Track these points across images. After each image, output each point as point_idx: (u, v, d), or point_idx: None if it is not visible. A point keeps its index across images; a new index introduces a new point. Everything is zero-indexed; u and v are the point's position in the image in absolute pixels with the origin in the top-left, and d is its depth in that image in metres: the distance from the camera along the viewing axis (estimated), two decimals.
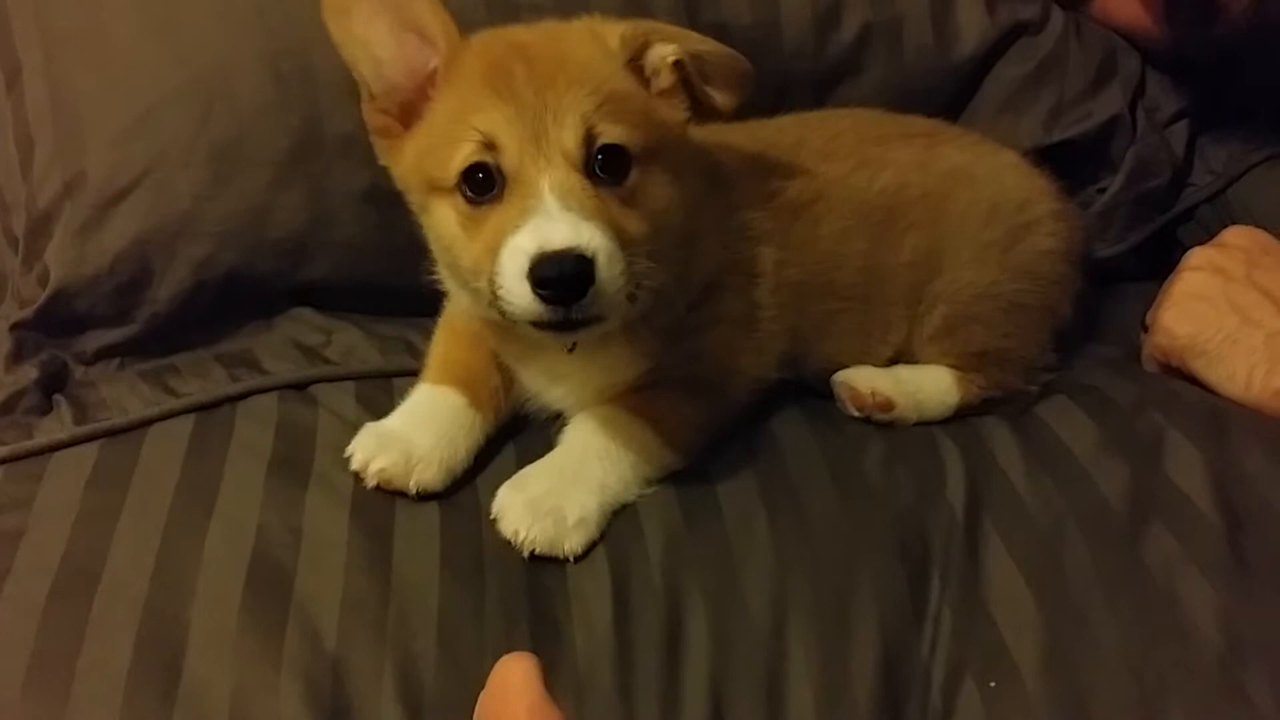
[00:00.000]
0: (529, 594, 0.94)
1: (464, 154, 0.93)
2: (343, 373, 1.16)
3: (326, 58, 1.19)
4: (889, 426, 1.11)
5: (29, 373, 1.15)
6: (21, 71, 1.22)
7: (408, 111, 0.99)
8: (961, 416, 1.14)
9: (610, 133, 0.93)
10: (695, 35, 1.02)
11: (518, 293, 0.90)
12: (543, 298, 0.89)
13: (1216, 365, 1.14)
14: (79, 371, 1.19)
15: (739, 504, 1.00)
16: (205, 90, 1.19)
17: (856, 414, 1.12)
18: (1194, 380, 1.16)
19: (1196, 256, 1.21)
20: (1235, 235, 1.22)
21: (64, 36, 1.22)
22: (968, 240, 1.16)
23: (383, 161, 1.03)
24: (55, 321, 1.19)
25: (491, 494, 0.99)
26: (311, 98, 1.20)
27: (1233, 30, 1.33)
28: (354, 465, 1.00)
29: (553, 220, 0.89)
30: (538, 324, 0.91)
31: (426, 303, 1.21)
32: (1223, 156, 1.41)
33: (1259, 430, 1.08)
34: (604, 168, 0.93)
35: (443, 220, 0.97)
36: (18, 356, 1.17)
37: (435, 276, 1.09)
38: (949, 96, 1.37)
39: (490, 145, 0.92)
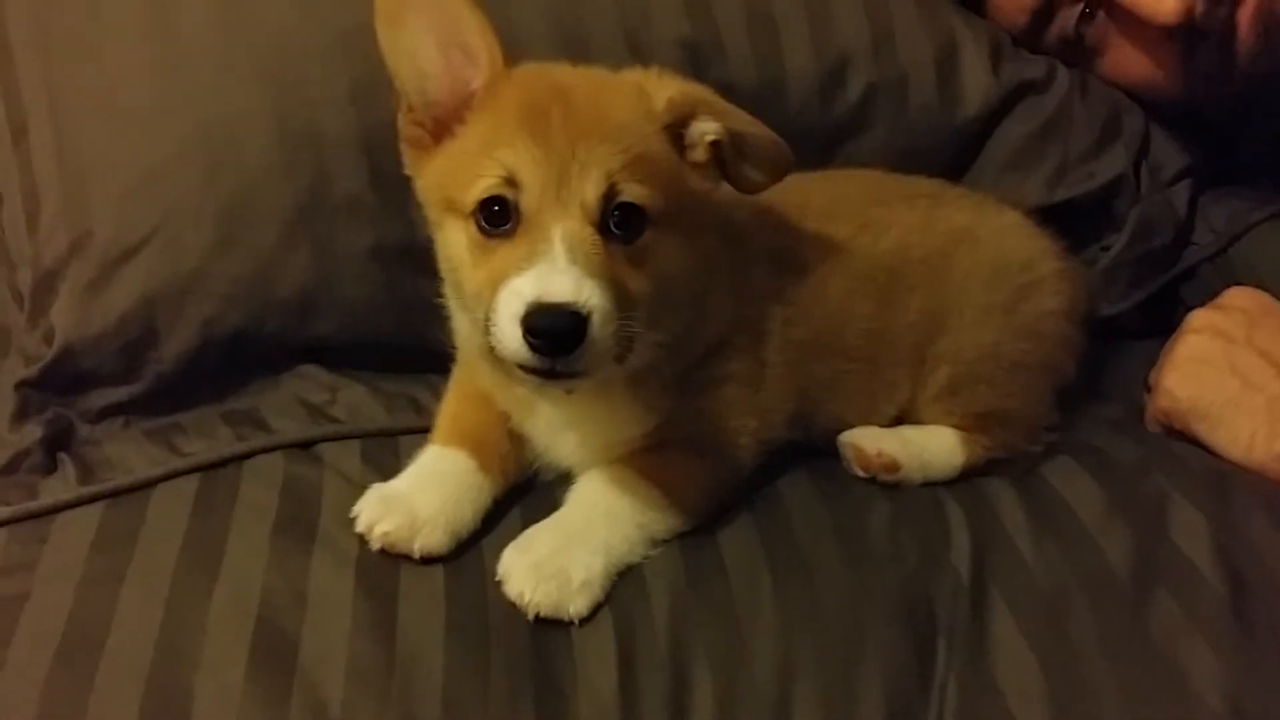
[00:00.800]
0: (534, 657, 0.93)
1: (485, 184, 0.94)
2: (348, 431, 1.16)
3: (334, 117, 1.21)
4: (894, 487, 1.11)
5: (34, 432, 1.15)
6: (28, 127, 1.22)
7: (441, 126, 1.00)
8: (967, 477, 1.14)
9: (631, 191, 0.94)
10: (744, 115, 1.03)
11: (508, 334, 0.91)
12: (531, 345, 0.90)
13: (1218, 428, 1.15)
14: (84, 430, 1.19)
15: (745, 566, 1.00)
16: (213, 150, 1.19)
17: (862, 475, 1.12)
18: (1197, 442, 1.17)
19: (1198, 319, 1.21)
20: (1236, 297, 1.23)
21: (71, 93, 1.22)
22: (971, 301, 1.16)
23: (407, 171, 1.04)
24: (61, 380, 1.19)
25: (497, 556, 0.99)
26: (319, 157, 1.21)
27: (1247, 81, 1.35)
28: (359, 527, 1.00)
29: (557, 271, 0.90)
30: (522, 366, 0.92)
31: (432, 360, 1.22)
32: (1224, 215, 1.42)
33: (1262, 494, 1.08)
34: (619, 224, 0.95)
35: (454, 242, 0.98)
36: (23, 415, 1.17)
37: (440, 298, 1.10)
38: (953, 155, 1.38)
39: (512, 181, 0.93)
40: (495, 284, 0.92)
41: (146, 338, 1.19)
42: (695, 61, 1.29)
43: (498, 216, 0.94)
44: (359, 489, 1.04)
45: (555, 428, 1.07)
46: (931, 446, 1.15)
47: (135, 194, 1.19)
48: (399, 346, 1.24)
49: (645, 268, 0.96)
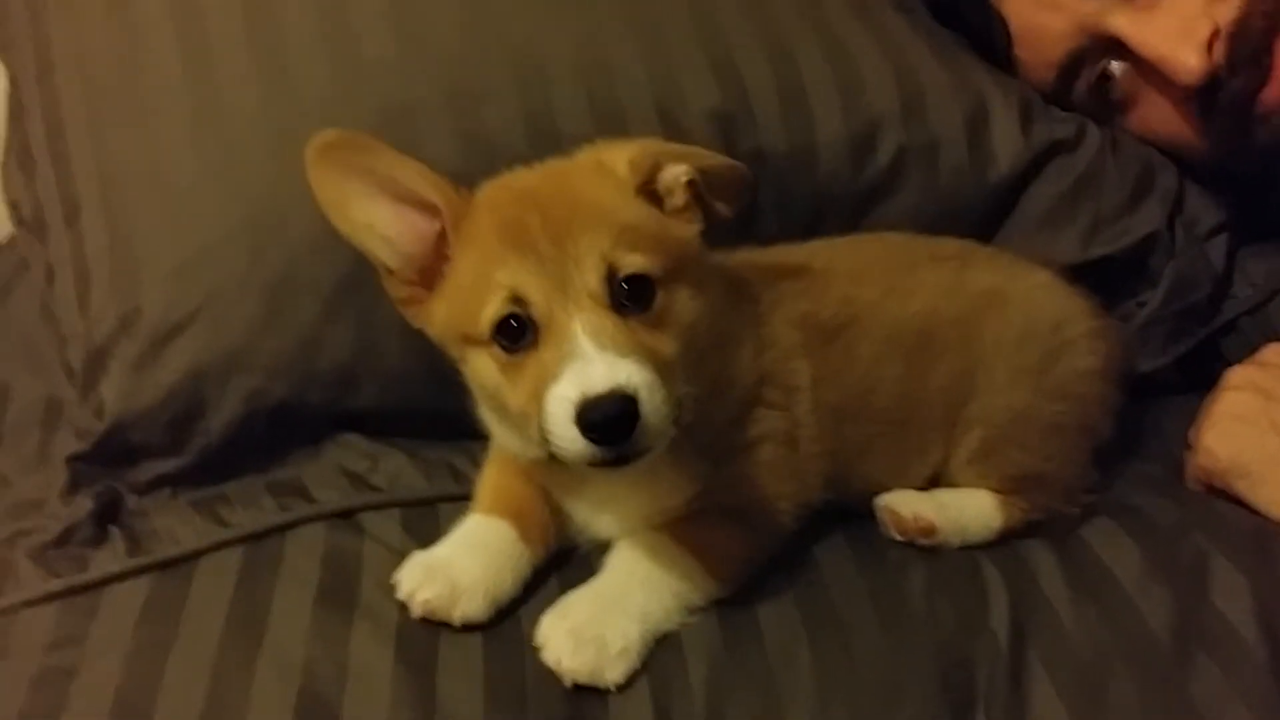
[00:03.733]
0: None
1: (493, 308, 0.96)
2: (388, 500, 1.18)
3: None
4: (931, 551, 1.11)
5: (85, 504, 1.17)
6: (80, 207, 1.26)
7: (428, 274, 1.02)
8: (1005, 540, 1.13)
9: (630, 263, 0.95)
10: (697, 150, 1.05)
11: (568, 438, 0.91)
12: (592, 440, 0.91)
13: (1260, 487, 1.14)
14: (132, 500, 1.21)
15: (782, 633, 1.00)
16: (259, 227, 1.22)
17: (899, 538, 1.12)
18: (1238, 501, 1.16)
19: (1237, 376, 1.21)
20: (1275, 353, 1.22)
21: (122, 175, 1.25)
22: (1002, 363, 1.16)
23: (415, 325, 1.05)
24: (111, 453, 1.21)
25: (534, 623, 1.00)
26: None
27: (1272, 139, 1.34)
28: (400, 594, 1.02)
29: (591, 363, 0.91)
30: (591, 463, 0.93)
31: (471, 425, 1.23)
32: (1262, 270, 1.41)
33: None
34: (630, 297, 0.96)
35: (483, 370, 0.99)
36: (74, 488, 1.19)
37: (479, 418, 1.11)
38: (985, 216, 1.38)
39: (518, 298, 0.95)
40: (538, 397, 0.93)
41: (193, 411, 1.21)
42: (727, 131, 1.31)
43: (516, 334, 0.96)
44: (399, 557, 1.06)
45: (597, 503, 1.08)
46: (968, 510, 1.14)
47: (183, 271, 1.22)
48: (438, 413, 1.25)
49: (668, 328, 0.97)
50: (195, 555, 1.10)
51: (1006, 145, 1.37)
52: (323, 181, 1.00)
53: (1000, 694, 0.96)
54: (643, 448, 0.92)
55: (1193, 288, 1.38)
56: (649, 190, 1.02)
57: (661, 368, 0.94)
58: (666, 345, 0.96)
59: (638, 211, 1.00)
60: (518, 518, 1.07)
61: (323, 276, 1.22)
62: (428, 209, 1.00)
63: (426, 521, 1.15)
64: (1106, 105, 1.42)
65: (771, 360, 1.09)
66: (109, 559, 1.11)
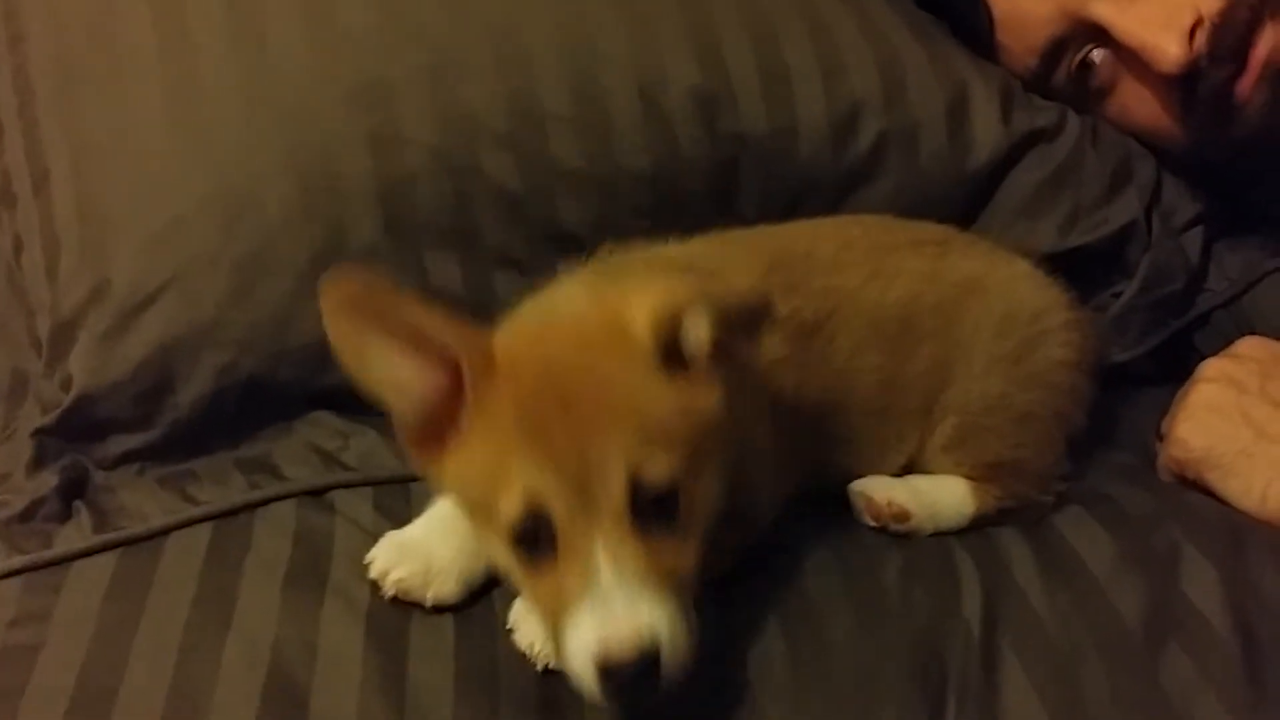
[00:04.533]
0: (543, 708, 0.93)
1: (511, 511, 0.89)
2: (360, 479, 1.17)
3: (350, 167, 1.23)
4: (905, 539, 1.11)
5: (49, 479, 1.15)
6: (50, 176, 1.24)
7: (439, 425, 0.93)
8: (978, 527, 1.13)
9: (654, 472, 0.88)
10: (720, 290, 0.96)
11: (583, 675, 0.87)
12: (606, 690, 0.87)
13: (1231, 479, 1.14)
14: (99, 476, 1.19)
15: (755, 623, 1.00)
16: (233, 200, 1.21)
17: (873, 524, 1.12)
18: (1209, 492, 1.16)
19: (1211, 368, 1.21)
20: (1249, 346, 1.23)
21: (92, 143, 1.24)
22: (980, 351, 1.16)
23: (420, 474, 1.00)
24: (77, 427, 1.19)
25: (507, 606, 0.99)
26: (335, 207, 1.22)
27: (1249, 130, 1.35)
28: (372, 573, 1.01)
29: (611, 604, 0.86)
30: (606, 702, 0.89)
31: None
32: (1238, 263, 1.42)
33: (1275, 546, 1.07)
34: (654, 510, 0.89)
35: (500, 555, 0.94)
36: (40, 462, 1.17)
37: None
38: (964, 203, 1.38)
39: (536, 505, 0.89)
40: (555, 613, 0.89)
41: (162, 385, 1.20)
42: (707, 112, 1.30)
43: (533, 539, 0.90)
44: (370, 537, 1.05)
45: None
46: (942, 496, 1.14)
47: (154, 243, 1.20)
48: None
49: (690, 531, 0.92)
50: (163, 532, 1.08)
51: (987, 132, 1.37)
52: (341, 332, 0.92)
53: (972, 682, 0.96)
54: (663, 689, 0.88)
55: (1168, 279, 1.39)
56: (673, 352, 0.92)
57: (682, 583, 0.90)
58: (688, 555, 0.91)
59: (662, 398, 0.91)
60: None
61: (296, 251, 1.21)
62: (448, 359, 0.92)
63: (398, 500, 1.14)
64: (1087, 93, 1.42)
65: (759, 376, 1.06)
66: (74, 535, 1.09)
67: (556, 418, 0.88)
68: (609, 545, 0.87)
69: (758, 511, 1.07)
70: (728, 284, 0.98)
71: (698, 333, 0.92)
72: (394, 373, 0.92)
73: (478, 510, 0.94)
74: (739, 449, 0.99)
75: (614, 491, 0.88)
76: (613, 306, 0.93)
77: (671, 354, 0.92)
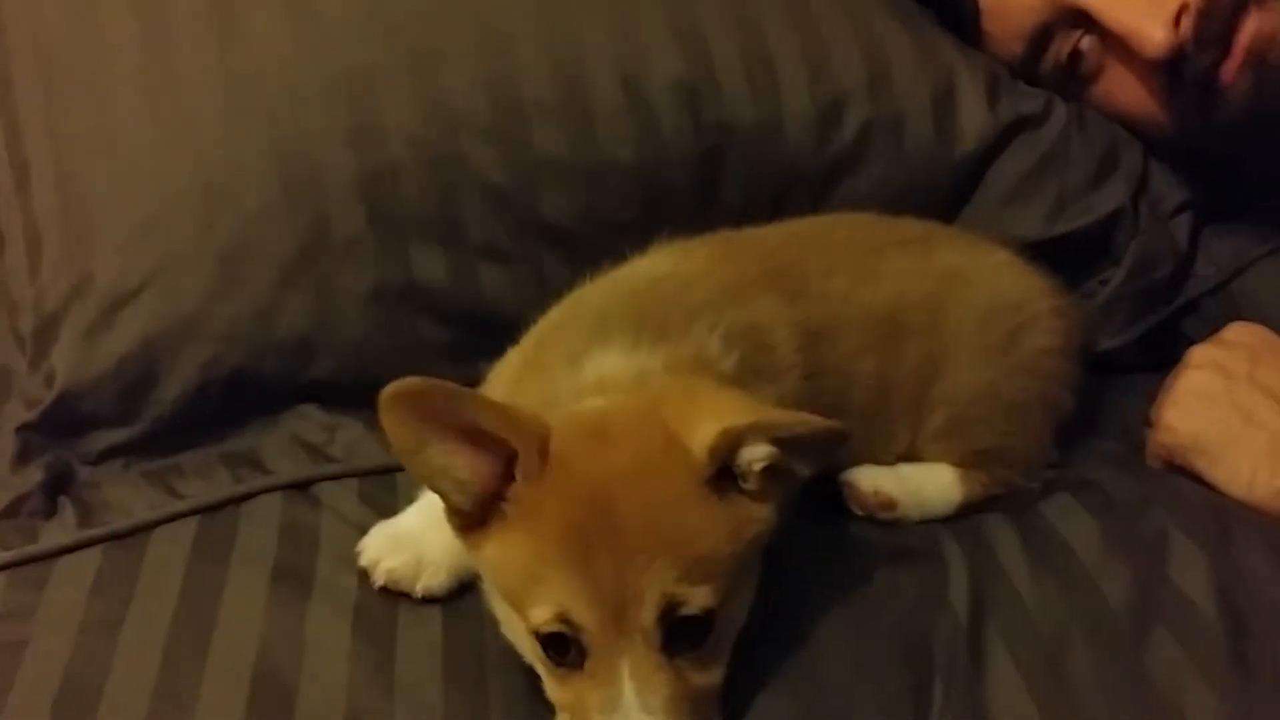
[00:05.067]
0: (532, 698, 0.93)
1: (542, 619, 0.88)
2: (345, 470, 1.17)
3: (332, 159, 1.22)
4: (892, 526, 1.11)
5: (34, 475, 1.15)
6: (30, 171, 1.23)
7: (488, 505, 0.92)
8: (965, 514, 1.14)
9: (692, 602, 0.88)
10: (790, 417, 0.94)
11: None
12: None
13: (1219, 465, 1.15)
14: (84, 472, 1.19)
15: None
16: (213, 194, 1.20)
17: (860, 513, 1.12)
18: (1197, 478, 1.16)
19: (1199, 354, 1.21)
20: (1238, 332, 1.23)
21: (74, 138, 1.23)
22: (966, 342, 1.16)
23: (464, 546, 0.98)
24: (61, 422, 1.19)
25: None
26: (317, 200, 1.21)
27: (1233, 117, 1.35)
28: (362, 562, 1.01)
29: None
30: None
31: None
32: (1226, 250, 1.41)
33: (1262, 531, 1.07)
34: (685, 633, 0.89)
35: (527, 648, 0.93)
36: (24, 458, 1.17)
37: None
38: (950, 192, 1.38)
39: (568, 621, 0.88)
40: (573, 714, 0.90)
41: (146, 380, 1.19)
42: (692, 102, 1.29)
43: (562, 649, 0.89)
44: (357, 529, 1.05)
45: None
46: (928, 483, 1.15)
47: (136, 238, 1.20)
48: None
49: (718, 654, 0.92)
50: (148, 527, 1.09)
51: (973, 120, 1.37)
52: (398, 429, 0.90)
53: (959, 667, 0.96)
54: None
55: (1156, 266, 1.39)
56: (725, 470, 0.91)
57: (707, 700, 0.90)
58: (716, 673, 0.91)
59: (710, 525, 0.90)
60: None
61: (279, 244, 1.20)
62: (502, 448, 0.91)
63: (384, 492, 1.14)
64: (1073, 80, 1.42)
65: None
66: (59, 530, 1.09)
67: (601, 535, 0.87)
68: (637, 670, 0.87)
69: None
70: (802, 416, 0.95)
71: (753, 453, 0.91)
72: (451, 470, 0.91)
73: (511, 598, 0.93)
74: None
75: (647, 619, 0.87)
76: (676, 428, 0.91)
77: (727, 474, 0.91)
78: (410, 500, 1.07)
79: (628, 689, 0.87)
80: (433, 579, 1.00)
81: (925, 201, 1.34)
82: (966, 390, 1.15)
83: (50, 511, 1.13)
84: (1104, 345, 1.37)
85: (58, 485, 1.16)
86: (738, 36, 1.33)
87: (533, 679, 0.94)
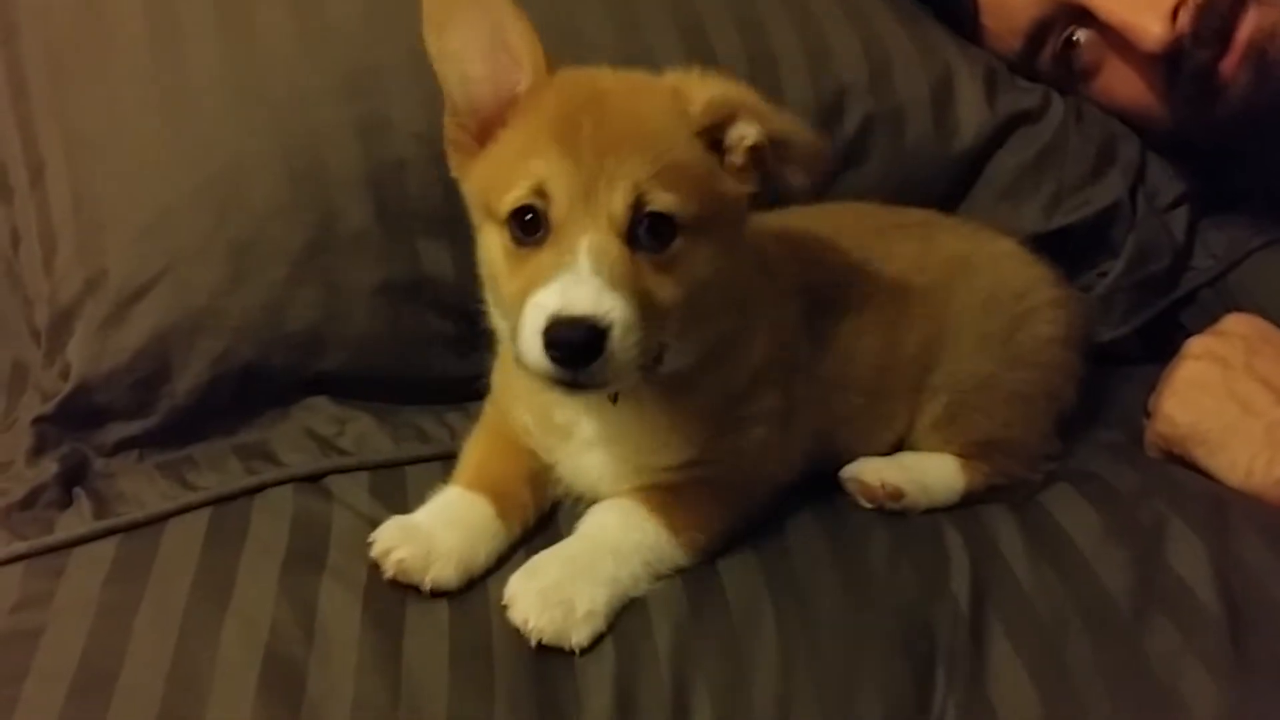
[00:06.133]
0: (537, 686, 0.95)
1: (516, 194, 0.95)
2: (356, 463, 1.18)
3: (340, 155, 1.24)
4: (894, 515, 1.12)
5: (50, 467, 1.17)
6: (45, 169, 1.25)
7: (484, 130, 1.01)
8: (967, 504, 1.15)
9: (659, 201, 0.94)
10: (786, 117, 1.02)
11: (531, 346, 0.92)
12: (551, 357, 0.91)
13: (1217, 454, 1.16)
14: (99, 463, 1.20)
15: (746, 598, 1.01)
16: (222, 190, 1.22)
17: (868, 506, 1.13)
18: (1196, 468, 1.18)
19: (1197, 345, 1.23)
20: (1235, 323, 1.24)
21: (86, 136, 1.25)
22: (967, 330, 1.18)
23: (453, 174, 1.05)
24: (76, 415, 1.21)
25: (500, 589, 0.99)
26: (325, 195, 1.23)
27: (1232, 111, 1.36)
28: (374, 553, 1.02)
29: (579, 283, 0.91)
30: (545, 377, 0.93)
31: (438, 392, 1.24)
32: (1223, 241, 1.43)
33: (1260, 520, 1.09)
34: (648, 232, 0.95)
35: (491, 248, 1.00)
36: (40, 450, 1.19)
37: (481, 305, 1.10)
38: (949, 185, 1.39)
39: (542, 192, 0.94)
40: (524, 294, 0.93)
41: (159, 373, 1.21)
42: None
43: (529, 226, 0.95)
44: (367, 521, 1.06)
45: (589, 446, 1.07)
46: (932, 473, 1.16)
47: (148, 233, 1.21)
48: (404, 380, 1.26)
49: (675, 275, 0.96)
50: (162, 518, 1.10)
51: (971, 115, 1.38)
52: (434, 6, 0.99)
53: (961, 655, 0.98)
54: (600, 380, 0.93)
55: (1153, 258, 1.40)
56: (715, 138, 0.99)
57: (651, 311, 0.93)
58: (667, 291, 0.95)
59: (690, 153, 0.98)
60: (497, 496, 1.06)
61: (288, 239, 1.22)
62: (516, 68, 0.99)
63: (394, 484, 1.15)
64: (1071, 74, 1.43)
65: (781, 343, 1.09)
66: (75, 521, 1.10)
67: (588, 128, 0.94)
68: (595, 242, 0.93)
69: (758, 495, 1.08)
70: (795, 121, 1.03)
71: (743, 130, 0.99)
72: (464, 57, 1.00)
73: (485, 207, 0.99)
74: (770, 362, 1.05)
75: (617, 200, 0.93)
76: (676, 79, 1.01)
77: (714, 139, 0.98)
78: (421, 498, 1.08)
79: (583, 255, 0.92)
80: (442, 572, 1.01)
81: (925, 195, 1.35)
82: (968, 378, 1.17)
83: (66, 502, 1.15)
84: (1103, 337, 1.38)
85: (73, 477, 1.18)
86: (740, 33, 1.34)
87: (539, 665, 0.95)
